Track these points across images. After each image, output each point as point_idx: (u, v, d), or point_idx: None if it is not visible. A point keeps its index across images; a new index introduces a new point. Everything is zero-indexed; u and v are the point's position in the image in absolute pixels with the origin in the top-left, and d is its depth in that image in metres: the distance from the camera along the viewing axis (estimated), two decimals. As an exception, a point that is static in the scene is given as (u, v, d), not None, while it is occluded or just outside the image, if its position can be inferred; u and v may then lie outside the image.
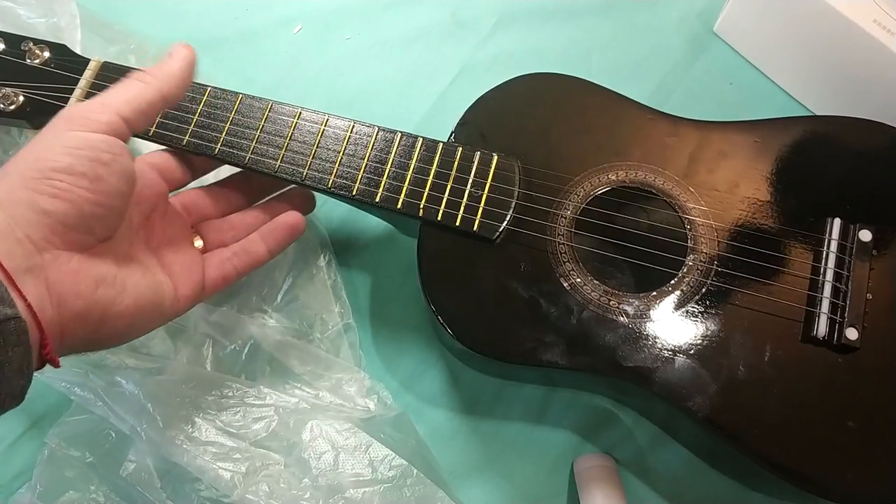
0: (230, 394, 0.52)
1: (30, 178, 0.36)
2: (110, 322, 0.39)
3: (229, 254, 0.48)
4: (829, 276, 0.46)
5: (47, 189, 0.36)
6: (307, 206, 0.53)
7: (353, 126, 0.51)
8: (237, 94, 0.51)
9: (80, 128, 0.38)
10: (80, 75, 0.52)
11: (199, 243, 0.49)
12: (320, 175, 0.50)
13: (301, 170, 0.50)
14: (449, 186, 0.50)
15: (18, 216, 0.35)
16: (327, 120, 0.51)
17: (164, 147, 0.51)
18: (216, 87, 0.52)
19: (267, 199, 0.53)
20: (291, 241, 0.51)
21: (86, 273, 0.37)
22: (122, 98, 0.40)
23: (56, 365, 0.36)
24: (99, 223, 0.38)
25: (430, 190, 0.49)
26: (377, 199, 0.49)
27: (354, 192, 0.50)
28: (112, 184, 0.38)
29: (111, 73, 0.52)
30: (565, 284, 0.48)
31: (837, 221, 0.48)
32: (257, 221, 0.51)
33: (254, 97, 0.52)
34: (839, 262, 0.47)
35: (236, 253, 0.49)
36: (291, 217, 0.50)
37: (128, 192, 0.40)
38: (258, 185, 0.53)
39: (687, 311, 0.47)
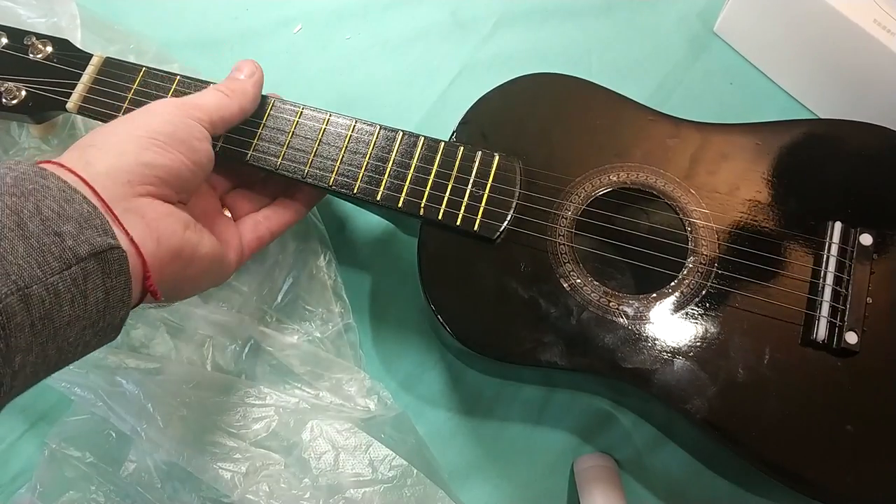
0: (230, 394, 0.52)
1: (137, 135, 0.41)
2: (195, 264, 0.42)
3: (261, 217, 0.51)
4: (830, 279, 0.46)
5: (152, 145, 0.40)
6: None
7: (355, 124, 0.51)
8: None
9: (181, 114, 0.43)
10: (83, 70, 0.52)
11: (227, 214, 0.51)
12: (322, 173, 0.50)
13: (302, 167, 0.50)
14: (450, 186, 0.50)
15: (124, 163, 0.39)
16: (329, 118, 0.51)
17: None
18: (218, 86, 0.52)
19: None
20: (316, 201, 0.54)
21: (177, 216, 0.41)
22: (213, 104, 0.46)
23: (157, 297, 0.39)
24: (185, 186, 0.43)
25: (431, 189, 0.49)
26: (378, 198, 0.49)
27: (355, 191, 0.50)
28: (202, 157, 0.44)
29: (113, 69, 0.52)
30: (565, 285, 0.48)
31: (838, 225, 0.48)
32: (280, 187, 0.53)
33: (255, 95, 0.52)
34: (839, 266, 0.47)
35: (267, 216, 0.51)
36: None
37: (208, 170, 0.45)
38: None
39: (686, 313, 0.47)
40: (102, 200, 0.37)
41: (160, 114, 0.43)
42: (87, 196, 0.36)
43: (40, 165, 0.36)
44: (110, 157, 0.39)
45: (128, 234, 0.37)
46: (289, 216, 0.52)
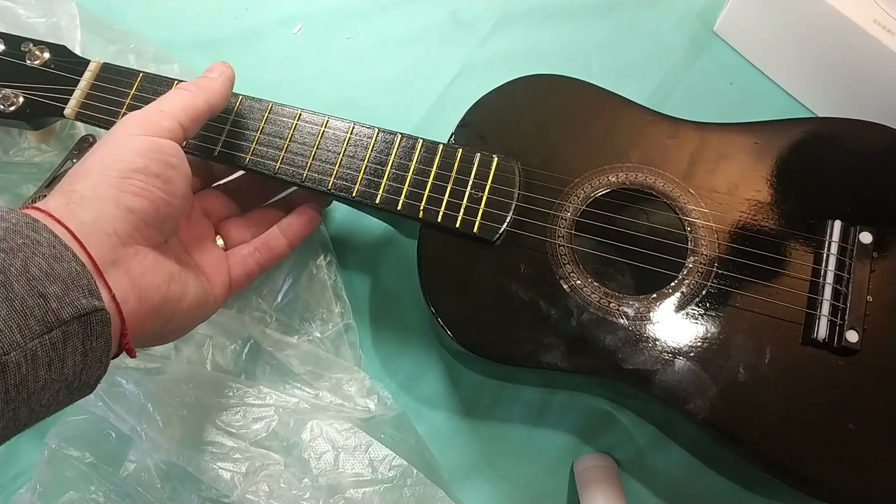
0: (230, 394, 0.52)
1: (111, 177, 0.38)
2: (177, 317, 0.41)
3: (251, 249, 0.50)
4: (830, 278, 0.46)
5: (129, 188, 0.39)
6: (323, 200, 0.55)
7: (353, 127, 0.51)
8: (237, 95, 0.52)
9: (149, 132, 0.41)
10: (80, 76, 0.52)
11: (220, 242, 0.50)
12: (320, 176, 0.50)
13: (301, 171, 0.50)
14: (449, 188, 0.50)
15: (106, 212, 0.37)
16: (327, 121, 0.51)
17: None
18: (216, 89, 0.52)
19: (283, 194, 0.55)
20: (311, 232, 0.53)
21: (161, 268, 0.40)
22: (178, 106, 0.43)
23: (132, 355, 0.38)
24: (168, 222, 0.41)
25: (429, 192, 0.49)
26: (377, 201, 0.49)
27: (354, 194, 0.50)
28: (179, 185, 0.42)
29: (111, 75, 0.52)
30: (565, 286, 0.48)
31: (838, 223, 0.48)
32: (275, 217, 0.53)
33: (253, 98, 0.52)
34: (839, 265, 0.47)
35: (258, 248, 0.50)
36: (309, 209, 0.52)
37: (189, 194, 0.43)
38: (273, 180, 0.52)
39: (687, 314, 0.47)
40: (90, 257, 0.36)
41: (127, 142, 0.40)
42: (76, 253, 0.35)
43: (32, 216, 0.35)
44: (93, 206, 0.37)
45: (111, 291, 0.36)
46: (280, 249, 0.51)
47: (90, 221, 0.36)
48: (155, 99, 0.51)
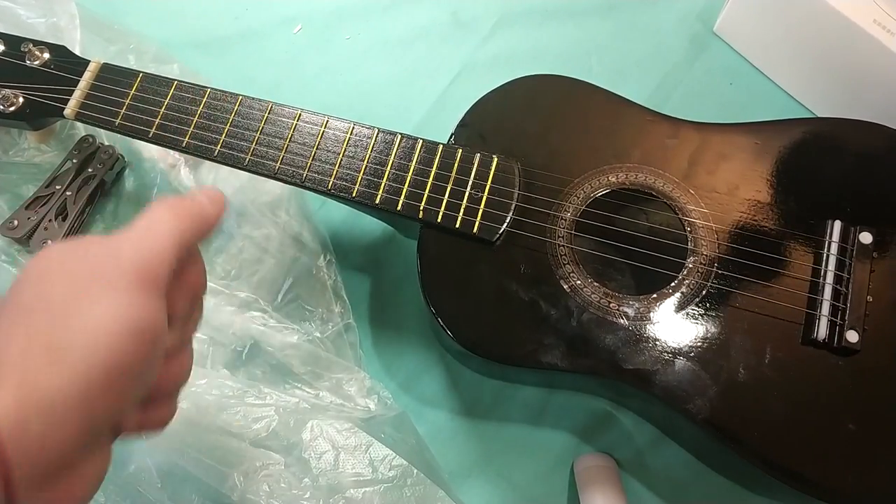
0: (230, 394, 0.52)
1: (92, 381, 0.28)
2: None
3: None
4: (830, 278, 0.46)
5: (102, 404, 0.29)
6: None
7: (353, 128, 0.51)
8: (237, 95, 0.51)
9: (135, 309, 0.30)
10: (80, 76, 0.52)
11: None
12: (320, 177, 0.50)
13: (301, 171, 0.50)
14: (449, 188, 0.50)
15: (66, 436, 0.28)
16: (327, 121, 0.51)
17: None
18: (216, 89, 0.52)
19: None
20: None
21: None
22: (169, 247, 0.32)
23: None
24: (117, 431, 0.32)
25: (429, 192, 0.49)
26: (377, 201, 0.49)
27: (354, 194, 0.50)
28: (152, 373, 0.32)
29: (111, 75, 0.52)
30: (565, 286, 0.48)
31: (838, 223, 0.48)
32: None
33: (254, 99, 0.52)
34: (839, 265, 0.47)
35: None
36: None
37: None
38: None
39: (687, 314, 0.47)
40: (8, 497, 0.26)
41: (113, 314, 0.29)
42: None
43: None
44: (55, 427, 0.27)
45: None
46: None
47: (34, 453, 0.26)
48: (154, 99, 0.51)
